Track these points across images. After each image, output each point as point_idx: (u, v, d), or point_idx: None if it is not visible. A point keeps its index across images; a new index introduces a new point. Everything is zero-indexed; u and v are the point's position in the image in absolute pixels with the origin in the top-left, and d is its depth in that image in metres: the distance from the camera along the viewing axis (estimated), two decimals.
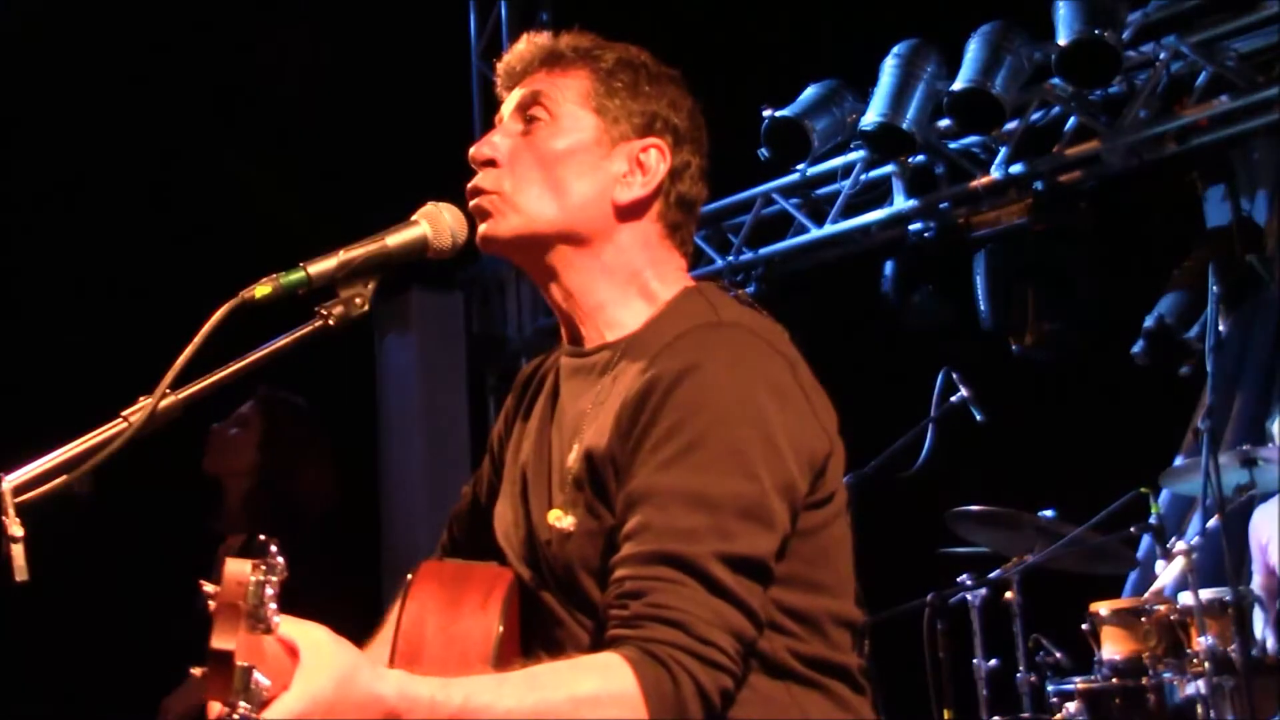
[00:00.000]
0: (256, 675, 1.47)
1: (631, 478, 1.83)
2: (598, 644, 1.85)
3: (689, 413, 1.82)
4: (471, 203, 2.03)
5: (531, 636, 1.99)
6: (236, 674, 1.46)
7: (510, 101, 2.09)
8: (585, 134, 2.02)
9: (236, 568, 1.48)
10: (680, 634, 1.72)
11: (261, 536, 1.51)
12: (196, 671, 1.49)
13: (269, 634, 1.50)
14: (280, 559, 1.50)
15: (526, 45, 2.10)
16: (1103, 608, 4.92)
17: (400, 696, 1.62)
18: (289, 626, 1.56)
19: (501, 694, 1.66)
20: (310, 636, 1.59)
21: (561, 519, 1.93)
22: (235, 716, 1.47)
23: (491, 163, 2.03)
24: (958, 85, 5.75)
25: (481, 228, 2.03)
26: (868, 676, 1.98)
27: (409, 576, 1.99)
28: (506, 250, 2.06)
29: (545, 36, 2.10)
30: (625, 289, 2.03)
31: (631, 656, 1.71)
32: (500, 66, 2.12)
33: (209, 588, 1.48)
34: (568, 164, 2.01)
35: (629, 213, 2.03)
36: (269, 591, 1.48)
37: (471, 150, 2.05)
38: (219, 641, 1.46)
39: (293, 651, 1.57)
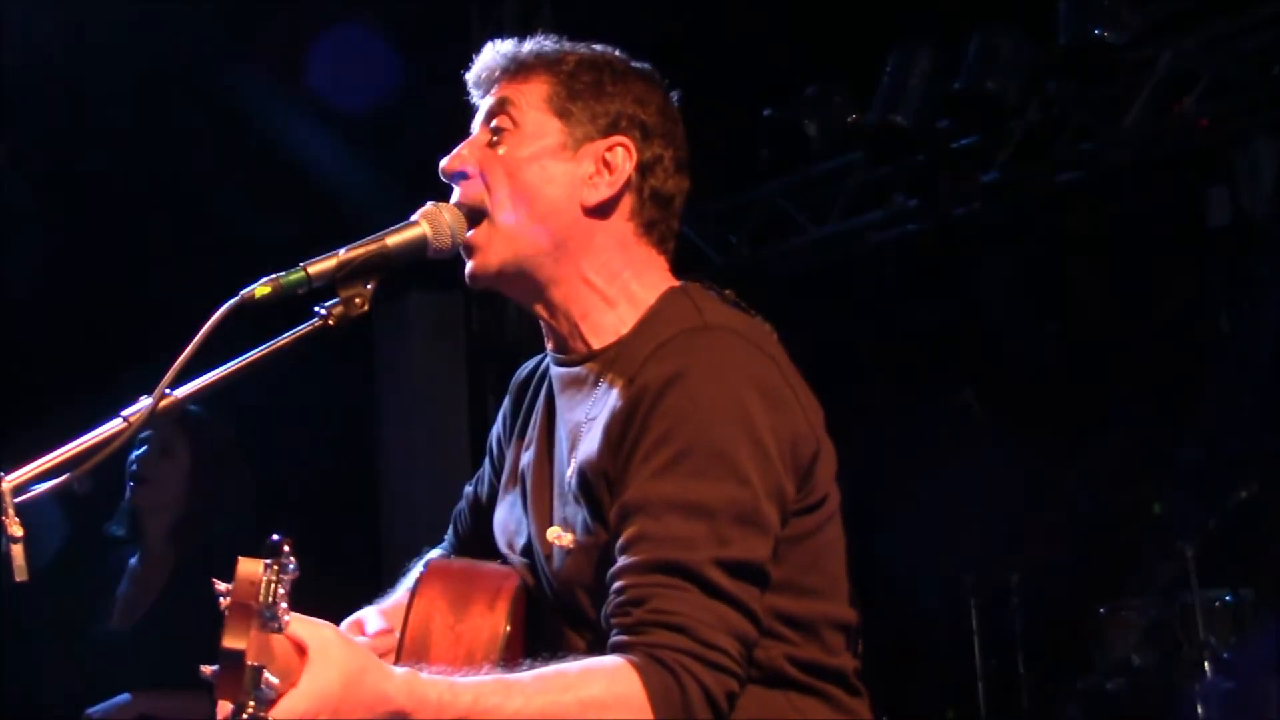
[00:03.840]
0: (267, 674, 1.48)
1: (625, 489, 1.83)
2: (596, 652, 1.85)
3: (677, 421, 1.82)
4: (466, 235, 2.02)
5: (533, 640, 2.00)
6: (247, 674, 1.46)
7: (479, 111, 2.09)
8: (549, 139, 2.02)
9: (249, 567, 1.48)
10: (684, 638, 1.73)
11: (275, 536, 1.51)
12: (206, 670, 1.49)
13: (280, 633, 1.50)
14: (293, 559, 1.50)
15: (490, 54, 2.09)
16: (1103, 608, 4.92)
17: (408, 696, 1.63)
18: (298, 625, 1.57)
19: (510, 695, 1.67)
20: (319, 635, 1.59)
21: (561, 536, 1.93)
22: (245, 716, 1.47)
23: (462, 174, 2.04)
24: (958, 85, 5.75)
25: (469, 265, 2.04)
26: (862, 678, 1.98)
27: (418, 573, 2.00)
28: (495, 282, 2.05)
29: (510, 43, 2.09)
30: (607, 293, 2.02)
31: (637, 662, 1.72)
32: (469, 77, 2.12)
33: (221, 586, 1.49)
34: (533, 170, 2.01)
35: (599, 213, 2.02)
36: (281, 591, 1.48)
37: (442, 164, 2.06)
38: (230, 641, 1.46)
39: (301, 649, 1.58)
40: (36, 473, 1.71)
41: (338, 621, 2.12)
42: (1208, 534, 4.80)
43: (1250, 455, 4.87)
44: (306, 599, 1.60)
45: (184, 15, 6.14)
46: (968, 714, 5.11)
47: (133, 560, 4.11)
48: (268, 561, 1.48)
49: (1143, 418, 6.12)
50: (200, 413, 4.03)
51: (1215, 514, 4.62)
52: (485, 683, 1.68)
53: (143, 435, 3.98)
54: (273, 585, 1.47)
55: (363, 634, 2.09)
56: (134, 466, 4.04)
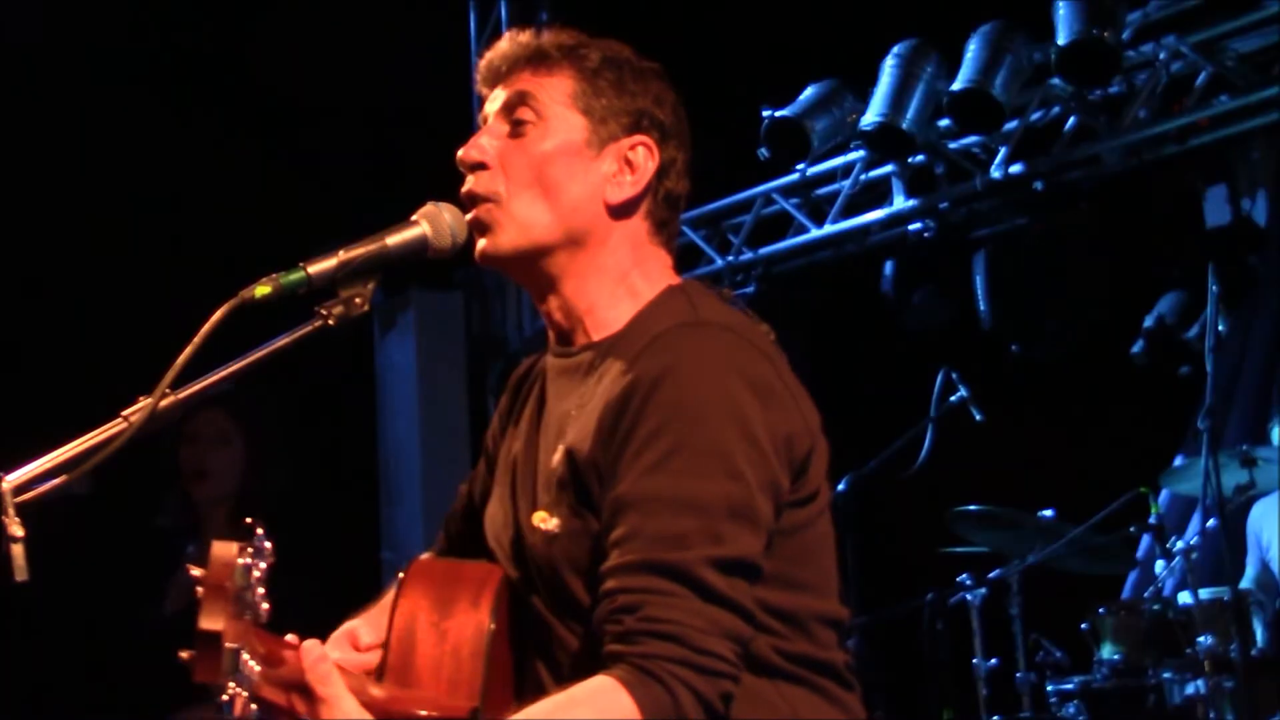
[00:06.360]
0: (245, 657, 1.48)
1: (616, 483, 1.82)
2: (585, 648, 1.86)
3: (670, 415, 1.81)
4: (469, 214, 2.01)
5: (521, 639, 1.99)
6: (225, 656, 1.47)
7: (495, 101, 2.06)
8: (575, 135, 2.00)
9: (223, 550, 1.49)
10: (676, 647, 1.72)
11: (248, 519, 1.52)
12: (185, 655, 1.50)
13: (257, 618, 1.51)
14: (268, 544, 1.51)
15: (510, 44, 2.07)
16: (1103, 608, 4.92)
17: None
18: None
19: None
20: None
21: (546, 520, 1.92)
22: (225, 698, 1.48)
23: (481, 165, 2.01)
24: (958, 85, 5.75)
25: (481, 243, 2.02)
26: (855, 673, 1.98)
27: (400, 574, 2.00)
28: (506, 265, 2.04)
29: (528, 34, 2.07)
30: (614, 290, 2.02)
31: (625, 678, 1.71)
32: (482, 64, 2.08)
33: (195, 570, 1.49)
34: (559, 166, 1.99)
35: (620, 212, 2.02)
36: (255, 575, 1.49)
37: (460, 153, 2.03)
38: (207, 623, 1.47)
39: (287, 645, 1.59)
40: (36, 473, 1.71)
41: (336, 622, 2.12)
42: (1207, 534, 4.79)
43: (1249, 455, 4.87)
44: (307, 598, 1.60)
45: (183, 10, 6.15)
46: (967, 714, 5.11)
47: (190, 548, 4.12)
48: (241, 544, 1.49)
49: (1142, 417, 6.12)
50: (250, 398, 4.07)
51: (1215, 514, 4.61)
52: None
53: (187, 430, 4.09)
54: (248, 569, 1.48)
55: (356, 648, 2.08)
56: (189, 462, 4.06)
